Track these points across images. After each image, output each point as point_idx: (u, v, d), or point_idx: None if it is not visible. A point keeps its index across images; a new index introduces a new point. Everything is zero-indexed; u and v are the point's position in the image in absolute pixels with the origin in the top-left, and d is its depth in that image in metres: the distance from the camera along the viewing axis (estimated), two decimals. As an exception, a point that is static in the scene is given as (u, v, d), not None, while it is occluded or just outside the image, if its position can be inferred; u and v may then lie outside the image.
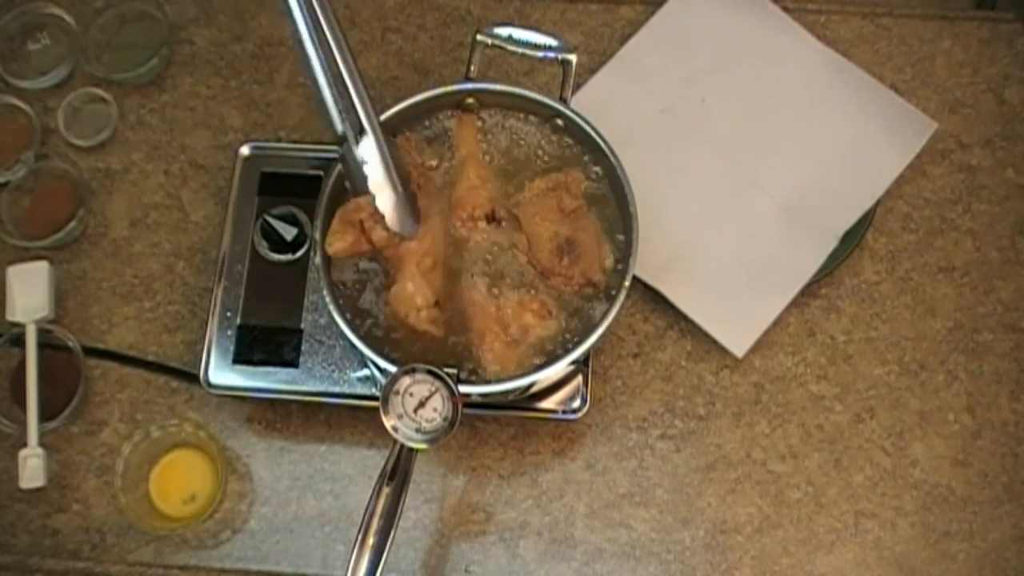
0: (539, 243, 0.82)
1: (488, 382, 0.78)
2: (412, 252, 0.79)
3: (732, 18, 1.02)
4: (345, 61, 0.74)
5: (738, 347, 0.92)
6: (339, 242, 0.78)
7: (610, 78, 1.01)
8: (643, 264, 0.88)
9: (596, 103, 0.97)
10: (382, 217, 0.78)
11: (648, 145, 0.97)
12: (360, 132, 0.76)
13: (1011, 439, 0.92)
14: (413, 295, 0.79)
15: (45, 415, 0.91)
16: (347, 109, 0.75)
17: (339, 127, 0.76)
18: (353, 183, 0.78)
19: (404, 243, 0.79)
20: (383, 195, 0.78)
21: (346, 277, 0.83)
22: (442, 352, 0.80)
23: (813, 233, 0.95)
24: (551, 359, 0.78)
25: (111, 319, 0.96)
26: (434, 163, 0.84)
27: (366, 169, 0.77)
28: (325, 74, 0.74)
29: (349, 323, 0.79)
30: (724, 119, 0.99)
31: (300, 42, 0.74)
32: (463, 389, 0.76)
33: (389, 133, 0.80)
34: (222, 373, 0.88)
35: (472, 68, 0.87)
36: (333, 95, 0.75)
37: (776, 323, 0.93)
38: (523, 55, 0.87)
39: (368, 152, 0.77)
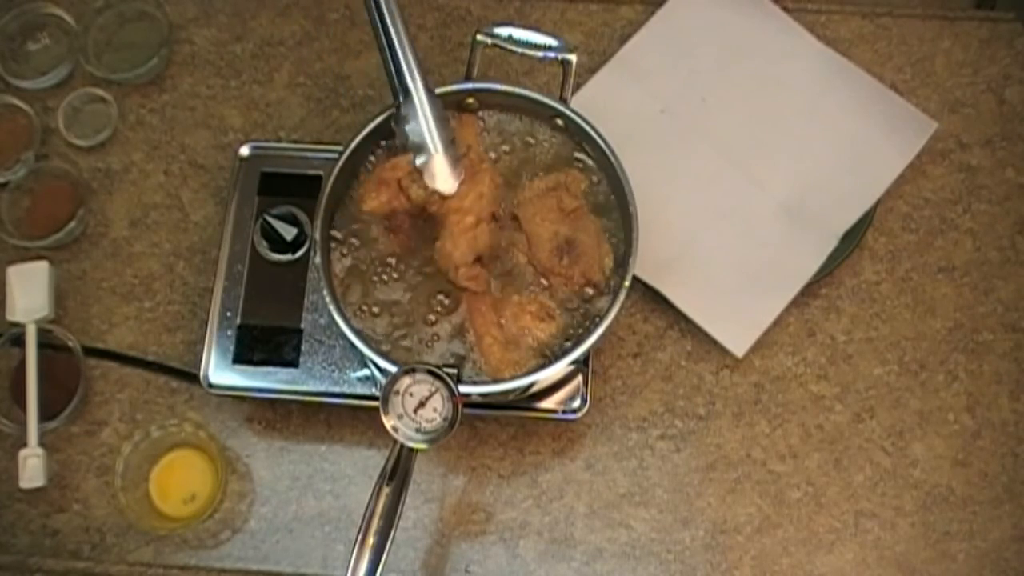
0: (539, 243, 0.82)
1: (488, 382, 0.78)
2: (453, 210, 0.81)
3: (732, 18, 1.02)
4: (396, 30, 0.79)
5: (738, 347, 0.92)
6: (372, 200, 0.82)
7: (610, 78, 1.01)
8: (643, 264, 0.88)
9: (596, 103, 0.97)
10: (420, 175, 0.80)
11: (648, 145, 0.98)
12: (406, 93, 0.80)
13: (1011, 439, 0.92)
14: (451, 252, 0.80)
15: (45, 415, 0.91)
16: (397, 72, 0.80)
17: (396, 87, 0.80)
18: (401, 141, 0.81)
19: (446, 201, 0.81)
20: (423, 153, 0.80)
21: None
22: (482, 307, 0.81)
23: (813, 233, 0.95)
24: (551, 359, 0.78)
25: (111, 319, 0.96)
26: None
27: (409, 128, 0.80)
28: (381, 39, 0.79)
29: (349, 323, 0.79)
30: (724, 119, 0.99)
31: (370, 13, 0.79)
32: (463, 389, 0.76)
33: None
34: (222, 373, 0.88)
35: (472, 68, 0.87)
36: (386, 58, 0.80)
37: (776, 323, 0.93)
38: (523, 55, 0.86)
39: (411, 111, 0.80)
